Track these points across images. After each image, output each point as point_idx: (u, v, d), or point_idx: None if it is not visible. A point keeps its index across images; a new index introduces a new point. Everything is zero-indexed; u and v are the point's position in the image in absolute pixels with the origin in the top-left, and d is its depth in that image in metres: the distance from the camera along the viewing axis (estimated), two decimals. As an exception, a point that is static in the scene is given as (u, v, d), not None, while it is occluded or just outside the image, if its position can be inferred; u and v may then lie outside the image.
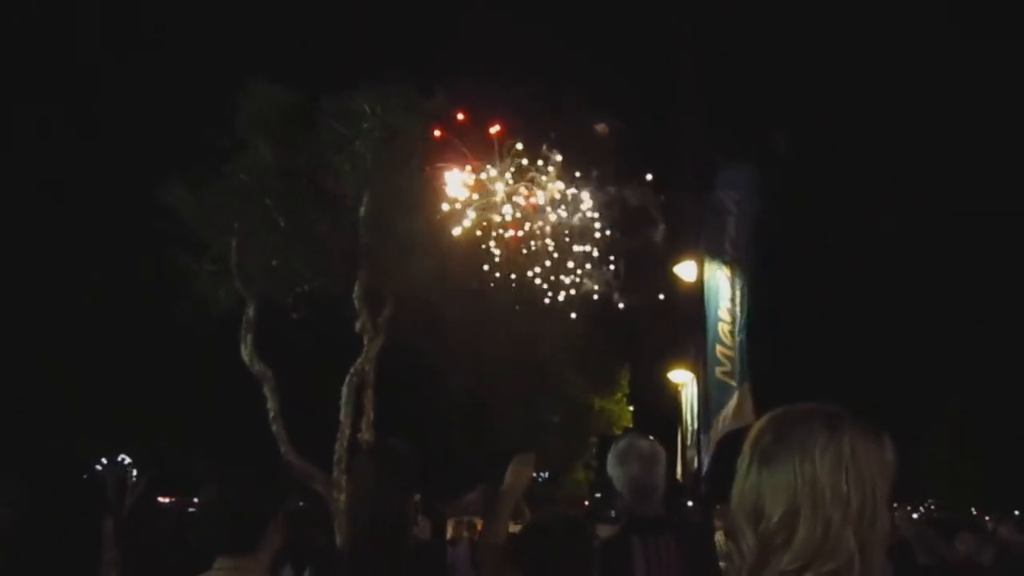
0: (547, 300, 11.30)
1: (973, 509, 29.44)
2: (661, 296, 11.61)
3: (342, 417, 10.56)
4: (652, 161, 10.83)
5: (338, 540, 8.40)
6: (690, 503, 10.02)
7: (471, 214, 10.60)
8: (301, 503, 11.36)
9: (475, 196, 10.68)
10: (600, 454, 22.01)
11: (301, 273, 10.84)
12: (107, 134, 24.72)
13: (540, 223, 10.88)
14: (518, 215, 10.82)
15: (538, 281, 11.08)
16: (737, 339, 7.20)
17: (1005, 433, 32.78)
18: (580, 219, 10.95)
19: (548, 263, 11.02)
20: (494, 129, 10.60)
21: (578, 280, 11.18)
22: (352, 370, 10.72)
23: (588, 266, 11.17)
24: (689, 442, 12.03)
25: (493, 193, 10.78)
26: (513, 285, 11.20)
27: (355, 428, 10.68)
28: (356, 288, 10.60)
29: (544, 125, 10.76)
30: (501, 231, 10.84)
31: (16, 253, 20.73)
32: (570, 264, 11.04)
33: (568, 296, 11.28)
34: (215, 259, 10.68)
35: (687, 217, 8.98)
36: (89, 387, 22.03)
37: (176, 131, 15.65)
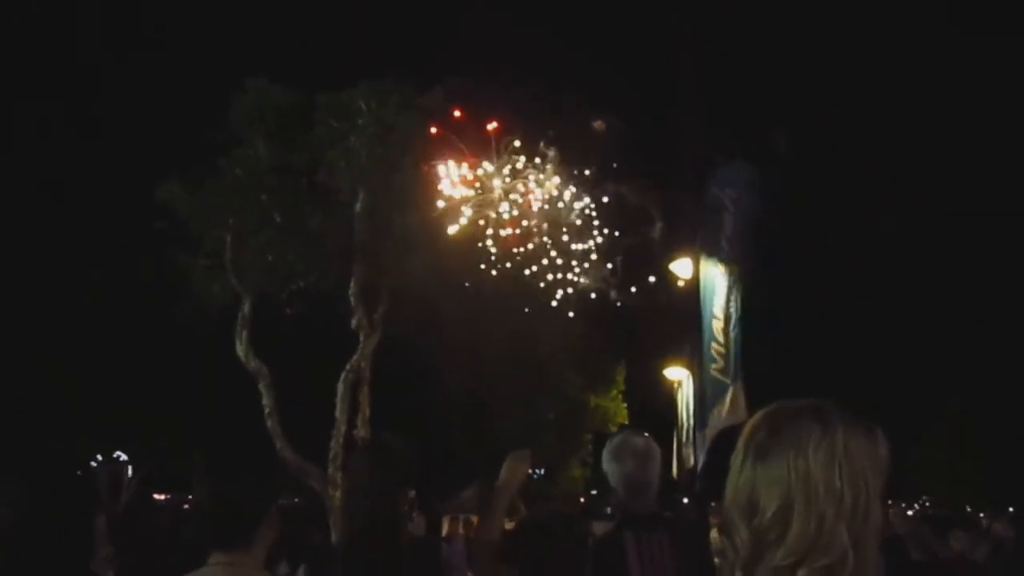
0: (544, 297, 11.31)
1: (968, 507, 29.49)
2: (658, 294, 11.63)
3: (338, 414, 10.55)
4: (651, 160, 10.85)
5: (333, 537, 8.39)
6: (685, 500, 10.05)
7: (467, 211, 10.61)
8: (297, 500, 11.36)
9: (472, 192, 10.68)
10: (596, 451, 22.04)
11: (296, 269, 10.81)
12: (107, 134, 24.78)
13: (537, 220, 10.88)
14: (515, 213, 10.82)
15: (535, 278, 11.09)
16: (731, 337, 7.20)
17: (1005, 433, 32.84)
18: (577, 216, 10.96)
19: (545, 261, 11.02)
20: (491, 126, 10.60)
21: (575, 278, 11.19)
22: (348, 366, 10.70)
23: (586, 264, 11.19)
24: (685, 439, 12.07)
25: (490, 190, 10.78)
26: (510, 281, 11.20)
27: (351, 425, 10.66)
28: (352, 284, 10.59)
29: (544, 125, 10.77)
30: (498, 228, 10.85)
31: (16, 253, 20.71)
32: (563, 261, 11.04)
33: (565, 294, 11.29)
34: (209, 254, 10.66)
35: (686, 216, 9.00)
36: (89, 387, 22.03)
37: (176, 131, 15.71)
